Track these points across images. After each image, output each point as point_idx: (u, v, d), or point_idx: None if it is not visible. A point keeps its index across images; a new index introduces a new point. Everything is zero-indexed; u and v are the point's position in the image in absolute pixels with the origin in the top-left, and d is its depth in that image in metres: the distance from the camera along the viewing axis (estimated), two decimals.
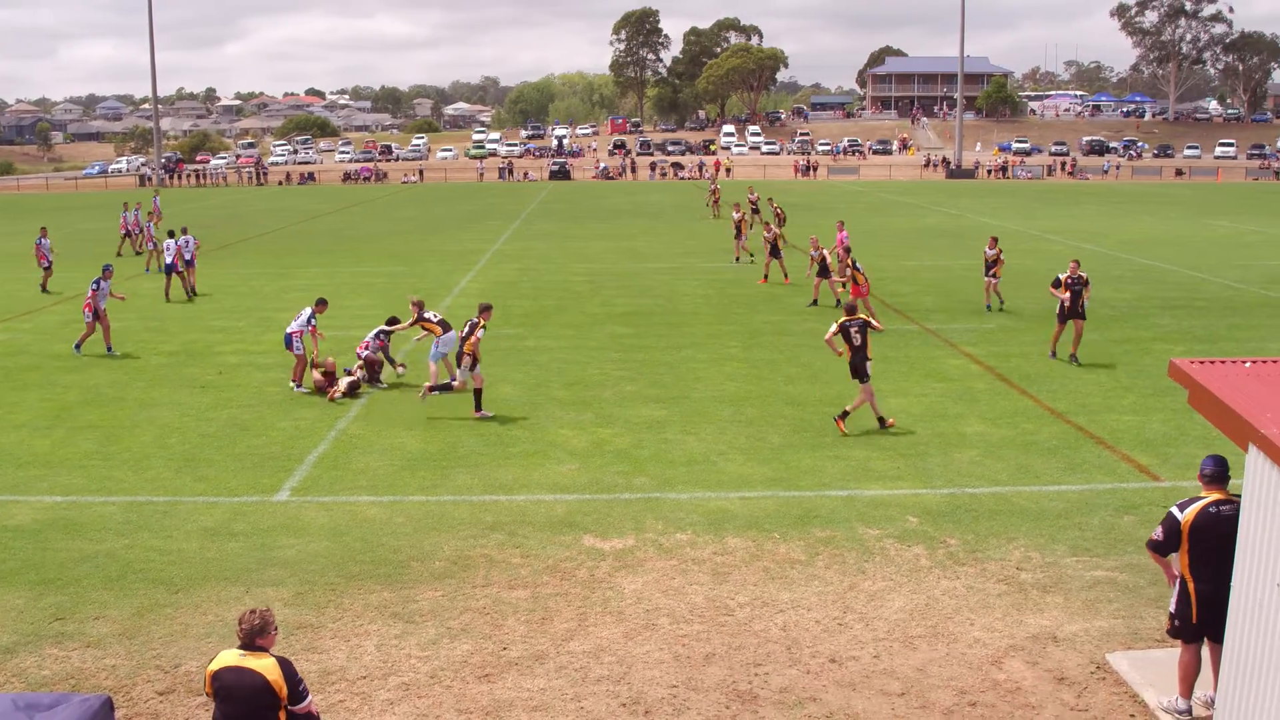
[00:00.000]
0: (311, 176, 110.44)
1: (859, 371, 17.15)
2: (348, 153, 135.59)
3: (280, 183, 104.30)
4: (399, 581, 11.76)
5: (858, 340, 17.05)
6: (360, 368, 20.58)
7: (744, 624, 10.77)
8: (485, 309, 18.48)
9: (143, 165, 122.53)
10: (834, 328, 17.19)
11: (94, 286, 23.45)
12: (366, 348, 20.77)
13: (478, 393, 18.23)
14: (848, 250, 29.12)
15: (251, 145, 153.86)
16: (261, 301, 30.63)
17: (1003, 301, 28.83)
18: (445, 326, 19.81)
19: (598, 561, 12.28)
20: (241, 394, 19.88)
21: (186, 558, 12.38)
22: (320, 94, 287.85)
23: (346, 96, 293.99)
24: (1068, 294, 21.77)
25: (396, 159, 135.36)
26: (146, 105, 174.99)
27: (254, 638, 7.08)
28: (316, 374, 20.18)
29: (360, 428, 17.71)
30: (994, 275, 28.44)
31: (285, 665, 7.05)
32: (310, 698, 7.15)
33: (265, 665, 6.98)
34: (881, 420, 17.39)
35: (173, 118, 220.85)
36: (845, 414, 17.31)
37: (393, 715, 9.12)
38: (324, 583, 11.71)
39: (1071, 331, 21.92)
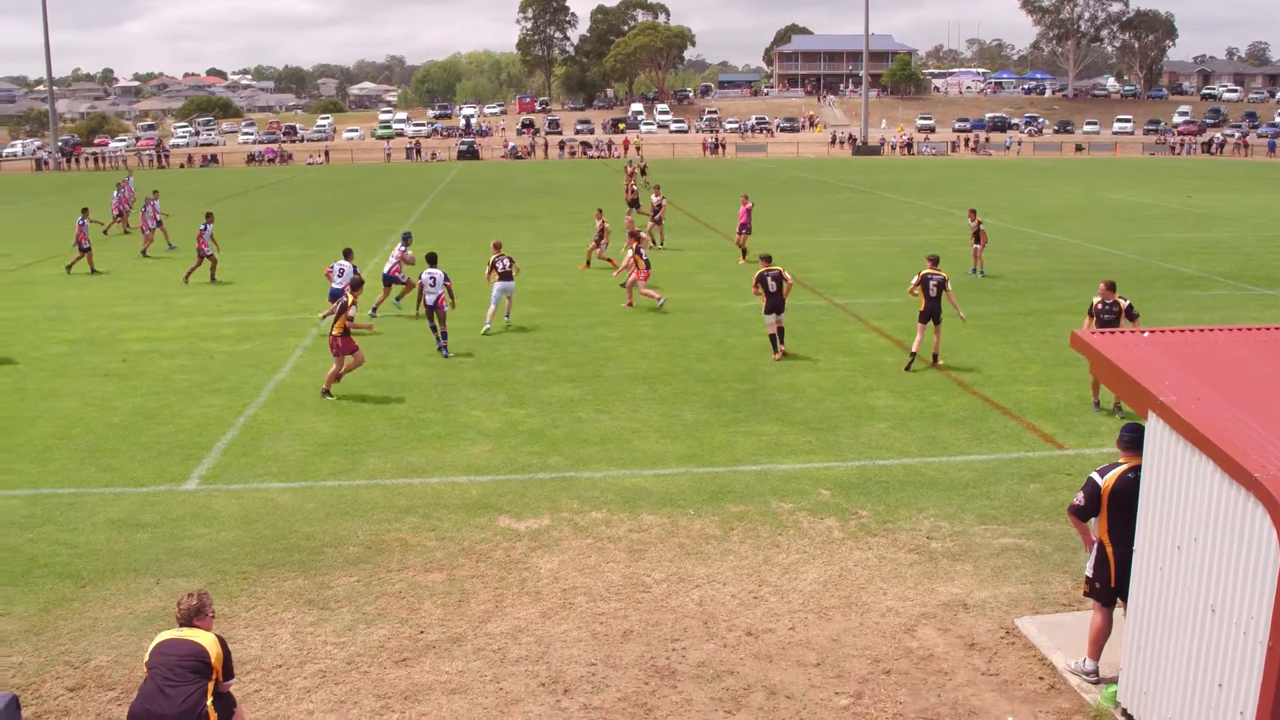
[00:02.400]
0: (214, 159, 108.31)
1: (775, 307, 20.63)
2: (251, 134, 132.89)
3: (182, 165, 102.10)
4: (313, 568, 11.64)
5: (773, 287, 20.41)
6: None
7: (661, 600, 10.85)
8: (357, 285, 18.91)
9: (39, 149, 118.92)
10: (754, 279, 20.75)
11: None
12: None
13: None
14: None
15: (152, 127, 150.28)
16: (165, 287, 30.00)
17: (982, 270, 30.62)
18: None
19: (513, 542, 12.27)
20: (147, 382, 19.49)
21: (94, 550, 12.13)
22: (222, 74, 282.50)
23: (249, 77, 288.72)
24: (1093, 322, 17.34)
25: (301, 140, 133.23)
26: (41, 87, 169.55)
27: (191, 618, 7.39)
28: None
29: (270, 413, 17.47)
30: (978, 244, 30.36)
31: (224, 642, 7.42)
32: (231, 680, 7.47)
33: (205, 639, 7.33)
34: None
35: (69, 100, 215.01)
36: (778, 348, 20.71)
37: (310, 703, 9.05)
38: (236, 571, 11.56)
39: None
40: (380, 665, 9.62)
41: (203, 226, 31.24)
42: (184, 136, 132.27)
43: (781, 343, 20.90)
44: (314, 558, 11.91)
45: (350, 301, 18.16)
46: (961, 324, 21.87)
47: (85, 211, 33.80)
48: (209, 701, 7.15)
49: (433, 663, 9.66)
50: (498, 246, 23.95)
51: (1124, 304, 16.96)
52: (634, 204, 43.47)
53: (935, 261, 20.10)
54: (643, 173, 52.46)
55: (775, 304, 20.62)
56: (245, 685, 9.22)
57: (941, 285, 19.56)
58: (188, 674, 7.12)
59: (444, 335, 21.43)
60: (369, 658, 9.76)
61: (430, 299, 21.35)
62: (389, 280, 25.29)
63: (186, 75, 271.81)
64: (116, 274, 32.44)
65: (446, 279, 21.46)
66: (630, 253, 26.25)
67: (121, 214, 44.50)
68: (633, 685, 9.28)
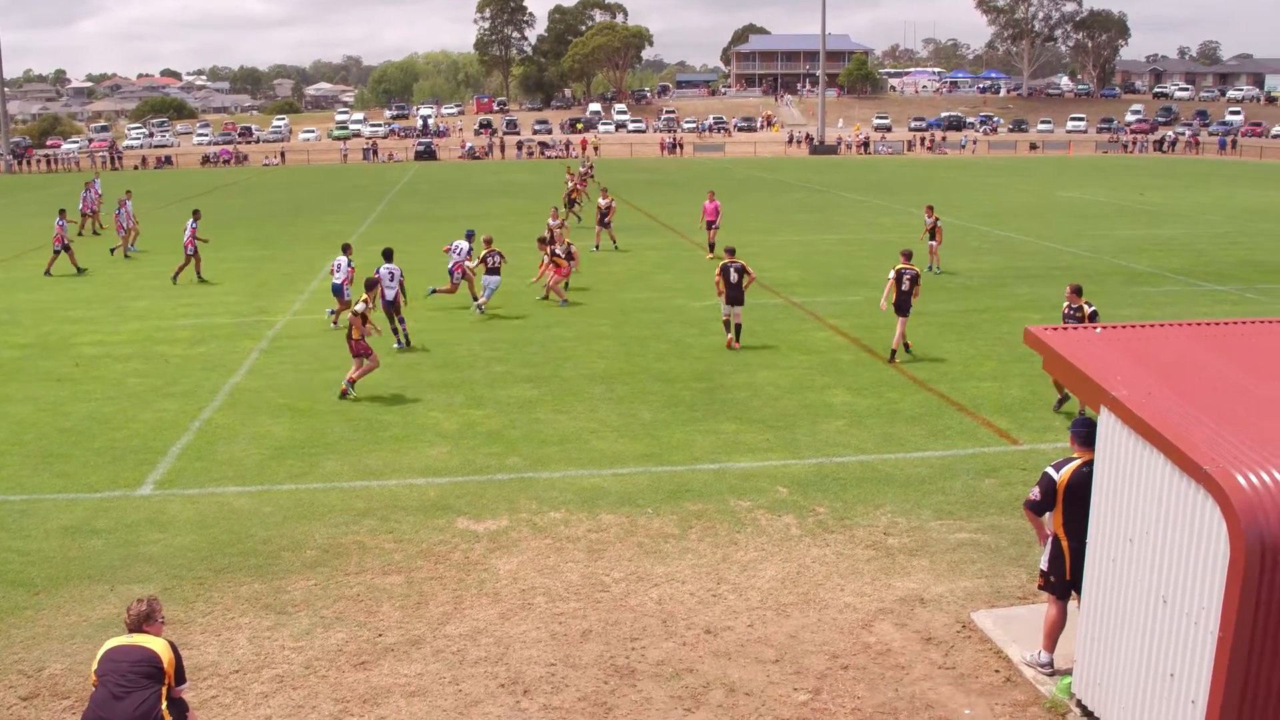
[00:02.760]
0: (169, 160, 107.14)
1: (735, 299, 21.29)
2: (206, 135, 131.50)
3: (136, 167, 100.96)
4: (269, 572, 11.56)
5: (734, 279, 21.04)
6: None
7: (620, 599, 10.86)
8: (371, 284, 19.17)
9: None
10: (716, 270, 21.42)
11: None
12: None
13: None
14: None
15: (105, 129, 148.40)
16: (118, 290, 29.68)
17: (940, 267, 30.88)
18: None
19: (472, 543, 12.24)
20: (100, 386, 19.28)
21: (47, 557, 11.98)
22: (176, 75, 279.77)
23: (204, 77, 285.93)
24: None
25: (257, 141, 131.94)
26: None
27: (141, 623, 7.35)
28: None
29: (225, 417, 17.33)
30: (934, 240, 30.59)
31: (175, 647, 7.36)
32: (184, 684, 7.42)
33: (156, 644, 7.29)
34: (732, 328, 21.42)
35: (21, 101, 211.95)
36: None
37: (267, 708, 8.98)
38: (192, 577, 11.46)
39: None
40: (338, 669, 9.57)
41: (190, 224, 31.11)
42: (138, 138, 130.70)
43: (737, 338, 21.47)
44: (271, 562, 11.82)
45: (365, 300, 18.27)
46: (920, 322, 22.08)
47: (63, 213, 33.87)
48: (163, 706, 7.09)
49: (391, 666, 9.62)
50: (489, 242, 25.19)
51: (1089, 310, 16.78)
52: (571, 204, 42.52)
53: (909, 256, 20.81)
54: (590, 176, 52.50)
55: (734, 295, 21.27)
56: (202, 691, 9.15)
57: (915, 279, 20.21)
58: (140, 680, 7.06)
59: (403, 326, 22.02)
60: (327, 662, 9.70)
61: (390, 294, 21.57)
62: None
63: (140, 76, 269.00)
64: (74, 278, 32.03)
65: (400, 274, 21.89)
66: (545, 258, 27.12)
67: (93, 213, 44.06)
68: (592, 685, 9.28)
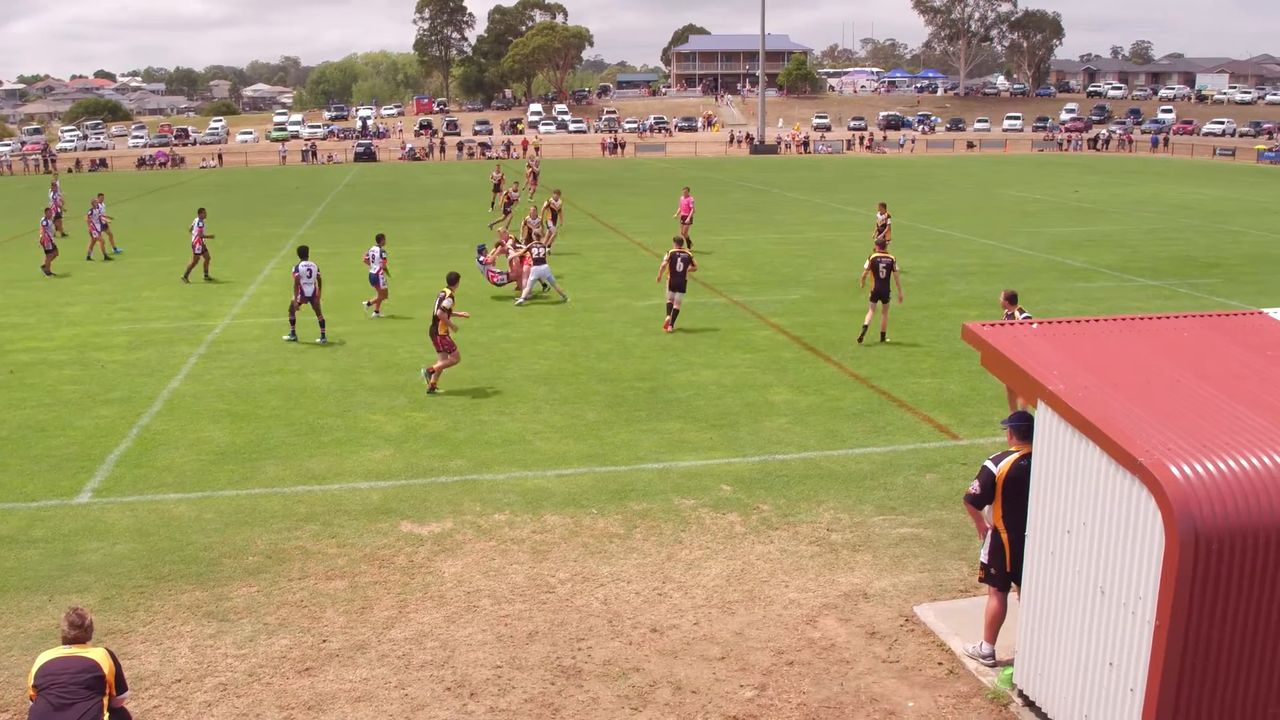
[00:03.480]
0: (104, 163, 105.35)
1: (678, 285, 22.76)
2: (141, 137, 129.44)
3: (70, 170, 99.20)
4: (211, 580, 11.44)
5: (680, 268, 22.54)
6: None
7: (565, 600, 10.86)
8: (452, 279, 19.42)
9: None
10: (665, 258, 22.89)
11: None
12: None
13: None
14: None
15: (38, 131, 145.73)
16: (53, 295, 29.19)
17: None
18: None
19: (416, 547, 12.18)
20: (35, 393, 18.95)
21: None
22: (111, 76, 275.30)
23: (139, 79, 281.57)
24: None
25: (194, 143, 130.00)
26: None
27: (78, 634, 7.29)
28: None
29: (164, 423, 17.11)
30: (883, 238, 30.07)
31: (114, 655, 7.33)
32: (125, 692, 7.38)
33: (95, 653, 7.22)
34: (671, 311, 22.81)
35: None
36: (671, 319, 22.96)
37: (211, 717, 8.88)
38: (132, 585, 11.31)
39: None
40: (283, 676, 9.49)
41: (197, 223, 30.99)
42: (71, 140, 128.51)
43: (673, 321, 23.19)
44: (212, 569, 11.69)
45: (449, 296, 18.56)
46: (860, 319, 22.24)
47: (47, 212, 34.98)
48: (105, 717, 7.01)
49: (336, 671, 9.56)
50: (516, 241, 27.84)
51: (1019, 318, 15.98)
52: (508, 207, 41.62)
53: (883, 245, 22.37)
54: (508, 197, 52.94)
55: (678, 282, 22.92)
56: (144, 701, 9.04)
57: (890, 267, 21.26)
58: (82, 690, 6.97)
59: (322, 323, 22.81)
60: (271, 669, 9.61)
61: (309, 289, 22.50)
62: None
63: (74, 78, 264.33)
64: (13, 283, 31.46)
65: (318, 270, 22.81)
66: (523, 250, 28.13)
67: (58, 215, 43.33)
68: (539, 686, 9.27)
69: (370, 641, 10.08)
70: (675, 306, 23.07)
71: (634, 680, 9.33)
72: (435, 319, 18.51)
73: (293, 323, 22.86)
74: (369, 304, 25.67)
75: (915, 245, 36.16)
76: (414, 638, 10.13)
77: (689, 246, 26.74)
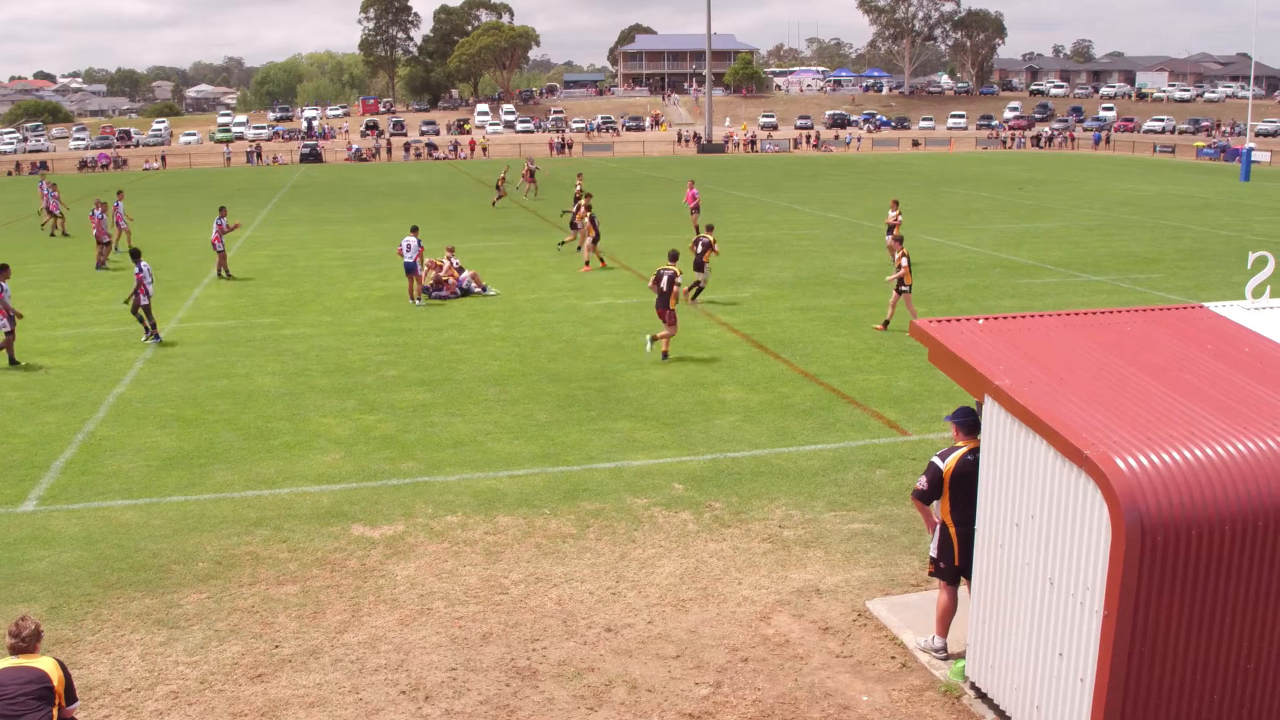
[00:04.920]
0: (44, 165, 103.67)
1: (662, 306, 21.19)
2: (83, 139, 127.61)
3: (10, 173, 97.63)
4: (160, 587, 11.31)
5: (665, 286, 20.51)
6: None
7: (519, 601, 10.84)
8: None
9: None
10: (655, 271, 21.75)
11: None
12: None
13: None
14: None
15: None
16: None
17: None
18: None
19: (368, 550, 12.12)
20: None
21: None
22: (50, 77, 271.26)
23: (79, 80, 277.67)
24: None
25: (137, 145, 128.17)
26: None
27: (25, 643, 7.15)
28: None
29: (110, 429, 16.89)
30: (894, 237, 30.55)
31: (63, 665, 7.19)
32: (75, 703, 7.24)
33: (44, 663, 7.10)
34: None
35: None
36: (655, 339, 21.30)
37: None
38: (80, 594, 11.16)
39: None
40: (235, 683, 9.41)
41: (219, 221, 31.10)
42: (10, 143, 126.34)
43: (696, 296, 26.13)
44: (162, 576, 11.56)
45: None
46: (808, 316, 22.38)
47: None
48: None
49: (289, 677, 9.49)
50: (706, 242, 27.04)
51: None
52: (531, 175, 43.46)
53: (900, 240, 24.46)
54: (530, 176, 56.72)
55: (661, 304, 20.95)
56: (94, 711, 8.92)
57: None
58: (31, 701, 6.86)
59: (154, 328, 23.14)
60: (223, 676, 9.53)
61: (150, 289, 22.91)
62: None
63: (13, 79, 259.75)
64: None
65: (150, 268, 23.16)
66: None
67: (48, 210, 42.90)
68: (494, 688, 9.26)
69: (323, 646, 10.01)
70: (701, 284, 25.68)
71: (589, 680, 9.34)
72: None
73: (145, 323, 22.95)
74: (417, 297, 26.69)
75: (862, 243, 36.41)
76: (367, 641, 10.08)
77: (710, 232, 26.96)
